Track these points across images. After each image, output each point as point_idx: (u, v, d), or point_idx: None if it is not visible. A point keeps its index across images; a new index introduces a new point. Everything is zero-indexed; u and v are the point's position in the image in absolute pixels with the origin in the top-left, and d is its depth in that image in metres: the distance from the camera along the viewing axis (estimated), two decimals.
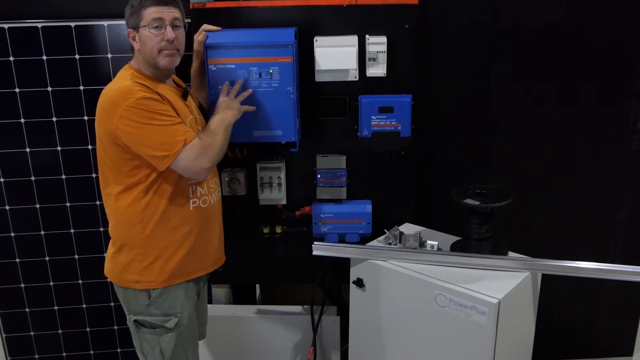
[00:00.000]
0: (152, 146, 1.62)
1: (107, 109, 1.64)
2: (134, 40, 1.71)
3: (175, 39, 1.70)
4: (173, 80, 1.86)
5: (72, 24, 2.23)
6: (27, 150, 2.35)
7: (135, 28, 1.69)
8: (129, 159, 1.66)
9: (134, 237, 1.74)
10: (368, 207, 2.20)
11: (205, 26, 1.91)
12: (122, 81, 1.67)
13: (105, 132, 1.66)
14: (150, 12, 1.66)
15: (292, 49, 1.88)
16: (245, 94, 1.86)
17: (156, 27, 1.67)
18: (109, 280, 1.84)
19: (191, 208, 1.78)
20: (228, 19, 2.03)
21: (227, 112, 1.79)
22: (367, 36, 2.04)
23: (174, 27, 1.69)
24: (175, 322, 1.80)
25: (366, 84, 2.09)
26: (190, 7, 2.03)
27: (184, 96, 1.82)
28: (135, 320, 1.81)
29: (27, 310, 2.54)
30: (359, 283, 2.00)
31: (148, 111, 1.60)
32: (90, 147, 2.36)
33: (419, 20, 2.06)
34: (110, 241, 1.82)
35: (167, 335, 1.80)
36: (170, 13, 1.68)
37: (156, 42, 1.68)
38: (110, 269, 1.82)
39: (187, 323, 1.83)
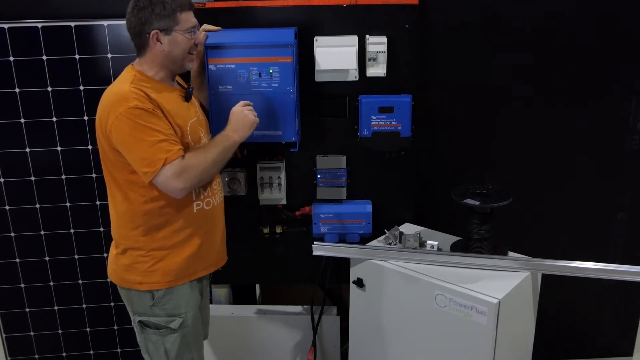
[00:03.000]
0: (136, 159, 1.61)
1: (103, 112, 1.64)
2: (158, 41, 1.67)
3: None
4: (176, 81, 1.85)
5: (72, 24, 2.22)
6: (27, 150, 2.35)
7: (165, 30, 1.66)
8: (127, 162, 1.65)
9: (136, 239, 1.74)
10: (368, 207, 2.20)
11: (206, 26, 1.91)
12: (122, 84, 1.66)
13: (102, 135, 1.66)
14: (187, 17, 1.69)
15: (292, 49, 1.88)
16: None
17: (192, 32, 1.71)
18: (109, 280, 1.83)
19: (195, 211, 1.77)
20: (228, 19, 2.03)
21: (237, 130, 1.75)
22: (367, 36, 2.04)
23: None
24: (180, 322, 1.80)
25: (366, 84, 2.09)
26: None
27: (187, 97, 1.81)
28: (139, 321, 1.81)
29: (27, 310, 2.54)
30: (359, 283, 2.00)
31: (137, 123, 1.59)
32: (90, 147, 2.36)
33: (419, 20, 2.06)
34: (113, 242, 1.82)
35: (171, 336, 1.80)
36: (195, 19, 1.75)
37: (188, 45, 1.71)
38: (113, 270, 1.82)
39: (191, 323, 1.83)
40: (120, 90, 1.64)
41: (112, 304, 2.55)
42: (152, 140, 1.60)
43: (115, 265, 1.80)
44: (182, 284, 1.79)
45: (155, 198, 1.70)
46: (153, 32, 1.65)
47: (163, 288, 1.76)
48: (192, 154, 1.68)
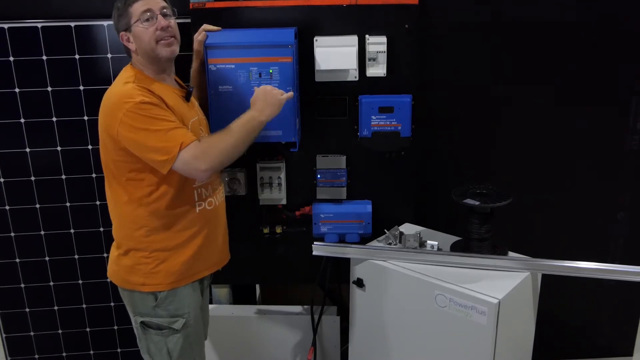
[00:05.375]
0: (152, 151, 1.60)
1: (108, 113, 1.63)
2: (129, 41, 1.69)
3: (169, 25, 1.68)
4: (176, 81, 1.85)
5: (72, 24, 2.23)
6: (27, 150, 2.35)
7: (127, 29, 1.67)
8: (133, 162, 1.65)
9: (139, 240, 1.73)
10: (368, 207, 2.20)
11: (205, 26, 1.90)
12: (123, 83, 1.66)
13: (108, 137, 1.65)
14: (138, 7, 1.65)
15: (292, 49, 1.88)
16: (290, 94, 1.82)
17: (147, 19, 1.65)
18: (109, 280, 1.83)
19: (197, 211, 1.77)
20: (228, 19, 2.03)
21: (263, 109, 1.74)
22: (367, 36, 2.04)
23: (164, 15, 1.68)
24: (183, 323, 1.79)
25: (366, 84, 2.09)
26: (190, 7, 2.03)
27: (187, 97, 1.81)
28: (142, 322, 1.80)
29: (27, 310, 2.54)
30: (359, 283, 2.00)
31: (146, 116, 1.58)
32: (90, 147, 2.36)
33: (419, 20, 2.06)
34: (114, 243, 1.82)
35: (174, 337, 1.80)
36: (157, 3, 1.68)
37: (151, 34, 1.66)
38: (114, 272, 1.81)
39: (193, 324, 1.83)
40: (123, 88, 1.64)
41: (112, 304, 2.55)
42: (164, 129, 1.60)
43: (117, 267, 1.79)
44: (184, 285, 1.79)
45: (159, 199, 1.70)
46: (121, 34, 1.69)
47: (166, 289, 1.76)
48: (209, 136, 1.67)
